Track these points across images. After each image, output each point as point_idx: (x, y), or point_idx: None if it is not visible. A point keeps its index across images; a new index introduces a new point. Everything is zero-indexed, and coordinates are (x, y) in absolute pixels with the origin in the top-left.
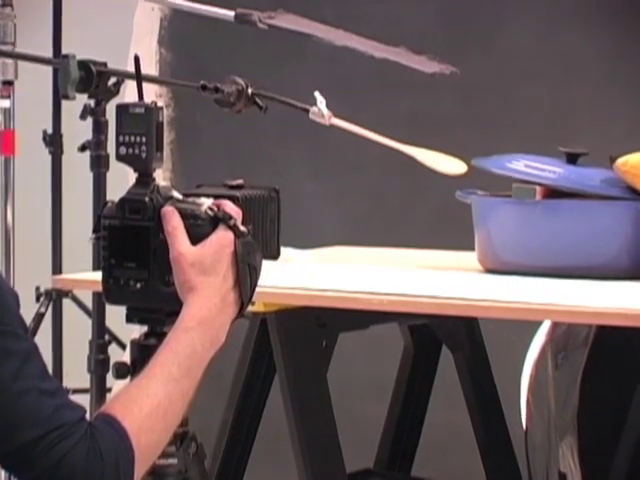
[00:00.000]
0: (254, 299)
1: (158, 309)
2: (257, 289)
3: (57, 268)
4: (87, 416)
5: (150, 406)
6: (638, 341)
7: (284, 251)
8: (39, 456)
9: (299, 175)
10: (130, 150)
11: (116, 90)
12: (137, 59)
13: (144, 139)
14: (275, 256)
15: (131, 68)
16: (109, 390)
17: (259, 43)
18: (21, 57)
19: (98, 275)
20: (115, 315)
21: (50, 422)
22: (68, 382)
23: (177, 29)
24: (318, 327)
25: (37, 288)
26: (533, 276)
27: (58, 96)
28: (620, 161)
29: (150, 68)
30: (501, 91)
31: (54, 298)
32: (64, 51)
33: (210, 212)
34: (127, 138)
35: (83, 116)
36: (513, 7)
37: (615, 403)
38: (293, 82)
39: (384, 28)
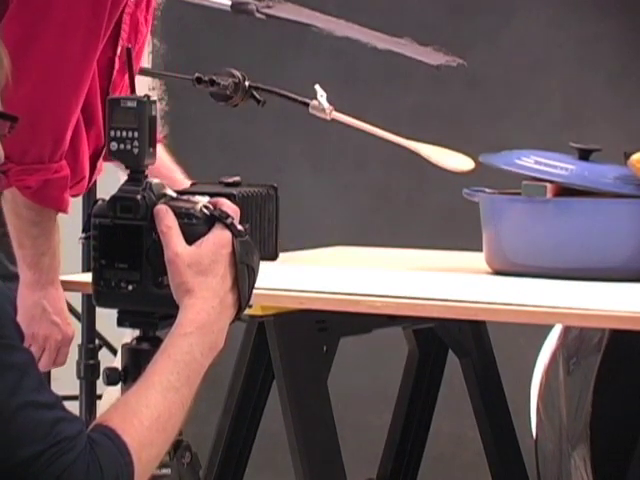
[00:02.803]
0: (251, 302)
1: (151, 312)
2: (254, 291)
3: None
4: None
5: (150, 419)
6: None
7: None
8: (39, 472)
9: (298, 172)
10: (121, 146)
11: None
12: (129, 51)
13: (136, 134)
14: (273, 257)
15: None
16: (99, 397)
17: (257, 34)
18: None
19: (88, 276)
20: (106, 318)
21: (49, 437)
22: (56, 388)
23: (171, 19)
24: (318, 331)
25: None
26: (543, 278)
27: None
28: (635, 157)
29: (143, 60)
30: (510, 84)
31: None
32: None
33: (206, 210)
34: (118, 133)
35: None
36: None
37: (629, 411)
38: (292, 75)
39: (387, 18)
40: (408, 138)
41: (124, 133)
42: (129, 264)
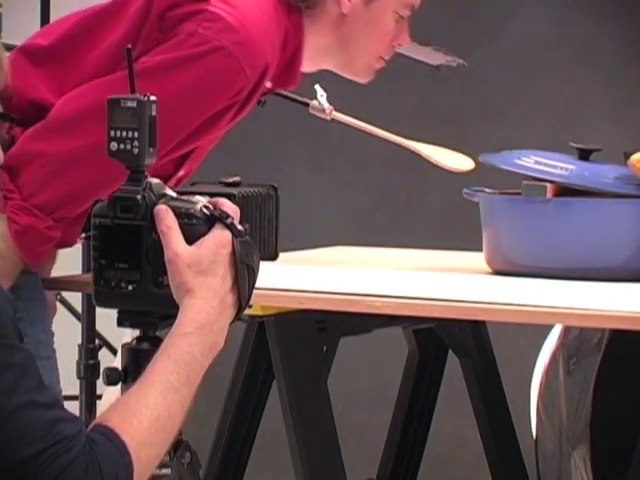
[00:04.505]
0: (251, 302)
1: (151, 312)
2: (255, 291)
3: None
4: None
5: (150, 419)
6: None
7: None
8: (38, 472)
9: (298, 172)
10: (122, 146)
11: None
12: (129, 50)
13: (136, 134)
14: (273, 257)
15: None
16: (99, 397)
17: None
18: None
19: (88, 276)
20: (106, 318)
21: (48, 437)
22: None
23: None
24: (318, 331)
25: None
26: (543, 278)
27: None
28: (635, 157)
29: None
30: (510, 84)
31: None
32: None
33: (206, 210)
34: (118, 133)
35: None
36: None
37: (629, 411)
38: None
39: None
40: (408, 138)
41: (124, 133)
42: (129, 264)
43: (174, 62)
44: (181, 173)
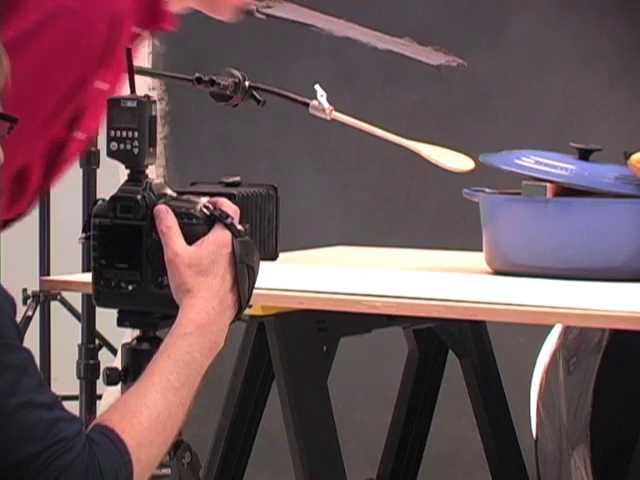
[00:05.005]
0: (252, 302)
1: (151, 312)
2: (255, 291)
3: (45, 269)
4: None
5: (149, 419)
6: None
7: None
8: (38, 472)
9: (299, 172)
10: (122, 146)
11: None
12: (129, 51)
13: (136, 134)
14: (273, 257)
15: None
16: (99, 397)
17: (257, 34)
18: None
19: (88, 276)
20: (106, 318)
21: (48, 437)
22: (56, 388)
23: None
24: (318, 331)
25: (24, 290)
26: (543, 278)
27: None
28: (635, 157)
29: (142, 60)
30: (510, 84)
31: (42, 301)
32: None
33: (206, 210)
34: (118, 133)
35: None
36: None
37: (630, 411)
38: (292, 74)
39: (388, 18)
40: (408, 138)
41: (124, 133)
42: (129, 264)
43: (22, 35)
44: (81, 136)
